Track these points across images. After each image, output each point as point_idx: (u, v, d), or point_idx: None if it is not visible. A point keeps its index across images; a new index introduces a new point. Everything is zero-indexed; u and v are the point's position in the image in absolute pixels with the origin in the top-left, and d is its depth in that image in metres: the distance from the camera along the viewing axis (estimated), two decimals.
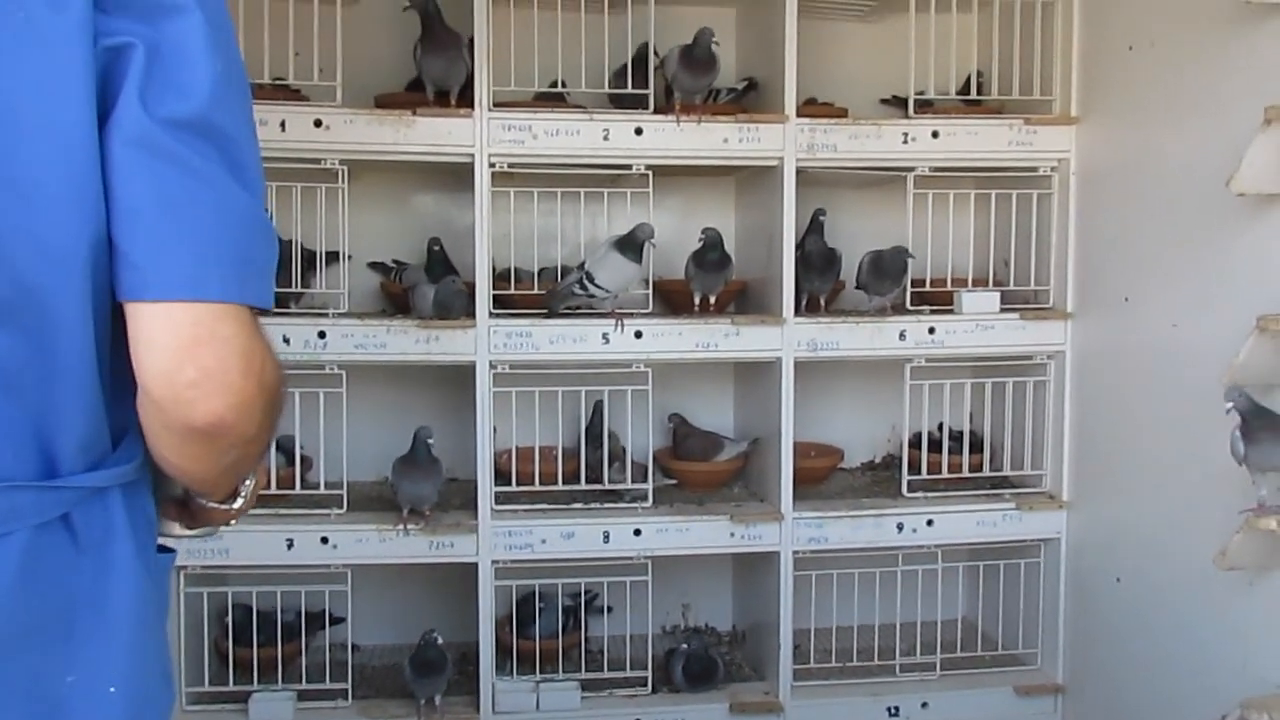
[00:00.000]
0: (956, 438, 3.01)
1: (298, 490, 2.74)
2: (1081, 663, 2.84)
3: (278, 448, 2.77)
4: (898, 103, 2.95)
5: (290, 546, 2.66)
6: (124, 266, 0.92)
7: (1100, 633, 2.73)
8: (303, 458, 2.80)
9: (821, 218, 2.95)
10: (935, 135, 2.81)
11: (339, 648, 2.90)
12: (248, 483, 1.15)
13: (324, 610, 2.85)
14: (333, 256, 2.82)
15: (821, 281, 2.91)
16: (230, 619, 2.80)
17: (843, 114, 2.91)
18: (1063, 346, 2.85)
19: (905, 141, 2.80)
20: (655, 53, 2.79)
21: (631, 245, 2.71)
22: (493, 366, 2.71)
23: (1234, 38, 2.19)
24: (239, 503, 1.16)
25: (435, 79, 2.73)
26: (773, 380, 2.83)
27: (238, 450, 1.01)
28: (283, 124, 2.60)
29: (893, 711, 2.86)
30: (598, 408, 2.88)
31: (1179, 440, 2.39)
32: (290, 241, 2.75)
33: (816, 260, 2.89)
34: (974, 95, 2.96)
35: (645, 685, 2.84)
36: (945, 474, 2.92)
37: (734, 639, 3.27)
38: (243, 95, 0.99)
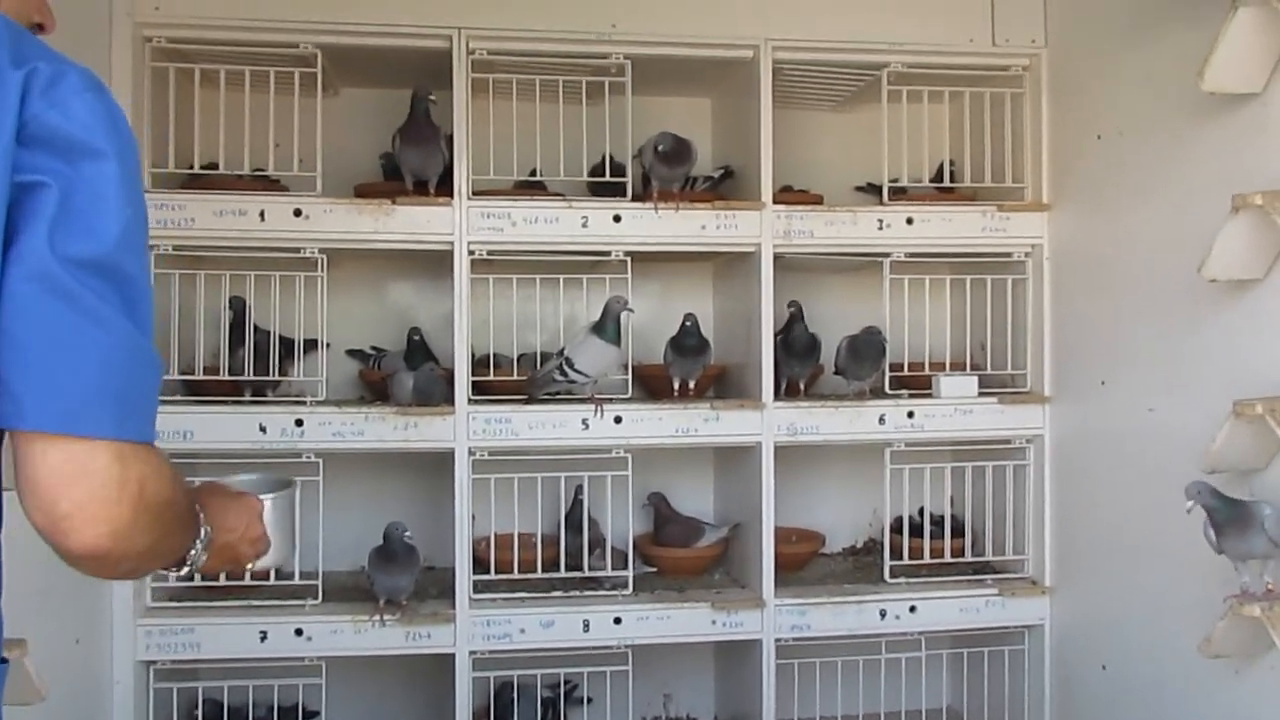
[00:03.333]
0: (938, 522, 2.99)
1: (272, 580, 2.69)
2: None
3: None
4: (872, 190, 2.99)
5: (264, 639, 2.61)
6: (4, 395, 0.94)
7: None
8: None
9: (791, 309, 2.96)
10: (910, 221, 2.84)
11: None
12: (196, 548, 1.14)
13: (297, 705, 2.78)
14: (311, 344, 2.81)
15: (801, 366, 2.92)
16: (201, 714, 2.73)
17: (818, 201, 2.95)
18: (1041, 430, 2.86)
19: (880, 228, 2.84)
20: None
21: (610, 327, 2.72)
22: (472, 453, 2.70)
23: (1200, 127, 2.24)
24: (185, 569, 1.15)
25: (414, 169, 2.75)
26: (753, 465, 2.82)
27: (131, 563, 1.02)
28: (262, 214, 2.62)
29: None
30: (577, 494, 2.86)
31: (1160, 525, 2.38)
32: (268, 332, 2.74)
33: (797, 345, 2.90)
34: (947, 182, 3.01)
35: None
36: (927, 559, 2.90)
37: None
38: (144, 235, 1.02)
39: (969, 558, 3.01)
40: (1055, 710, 2.83)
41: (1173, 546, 2.32)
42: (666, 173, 2.79)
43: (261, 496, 1.30)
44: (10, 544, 1.92)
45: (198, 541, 1.14)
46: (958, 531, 3.04)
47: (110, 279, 0.96)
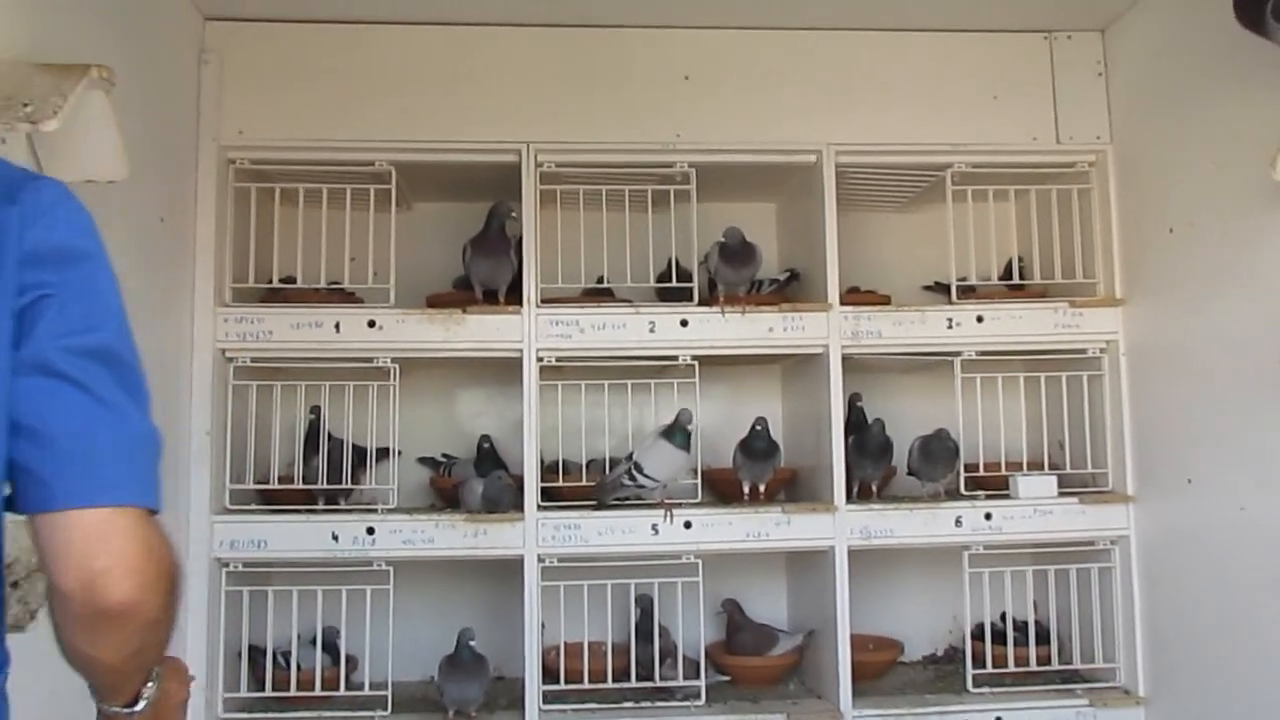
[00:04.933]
0: (1021, 628, 2.88)
1: (342, 691, 2.69)
2: None
3: (324, 647, 2.73)
4: (940, 289, 2.98)
5: None
6: (30, 484, 1.02)
7: None
8: (348, 657, 2.76)
9: (859, 403, 2.93)
10: (980, 320, 2.82)
11: None
12: (150, 685, 1.16)
13: None
14: (383, 453, 2.85)
15: (874, 468, 2.88)
16: None
17: (885, 301, 2.94)
18: (1126, 531, 2.77)
19: (950, 326, 2.81)
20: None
21: (679, 434, 2.71)
22: (541, 560, 2.68)
23: (1273, 214, 2.20)
24: (141, 705, 1.15)
25: (483, 279, 2.81)
26: (826, 569, 2.76)
27: (143, 634, 1.07)
28: (337, 325, 2.68)
29: None
30: (648, 601, 2.82)
31: (1258, 626, 2.27)
32: (341, 440, 2.79)
33: (870, 446, 2.87)
34: (1016, 279, 2.99)
35: None
36: (1011, 667, 2.79)
37: None
38: (129, 324, 1.12)
39: (1055, 666, 2.89)
40: None
41: (1273, 650, 2.21)
42: (732, 275, 2.81)
43: None
44: None
45: (155, 670, 1.16)
46: (1042, 638, 2.93)
47: (111, 365, 1.06)
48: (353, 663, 2.77)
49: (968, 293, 2.89)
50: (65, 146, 1.73)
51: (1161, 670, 2.68)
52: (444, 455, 3.12)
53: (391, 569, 2.63)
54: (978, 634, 2.86)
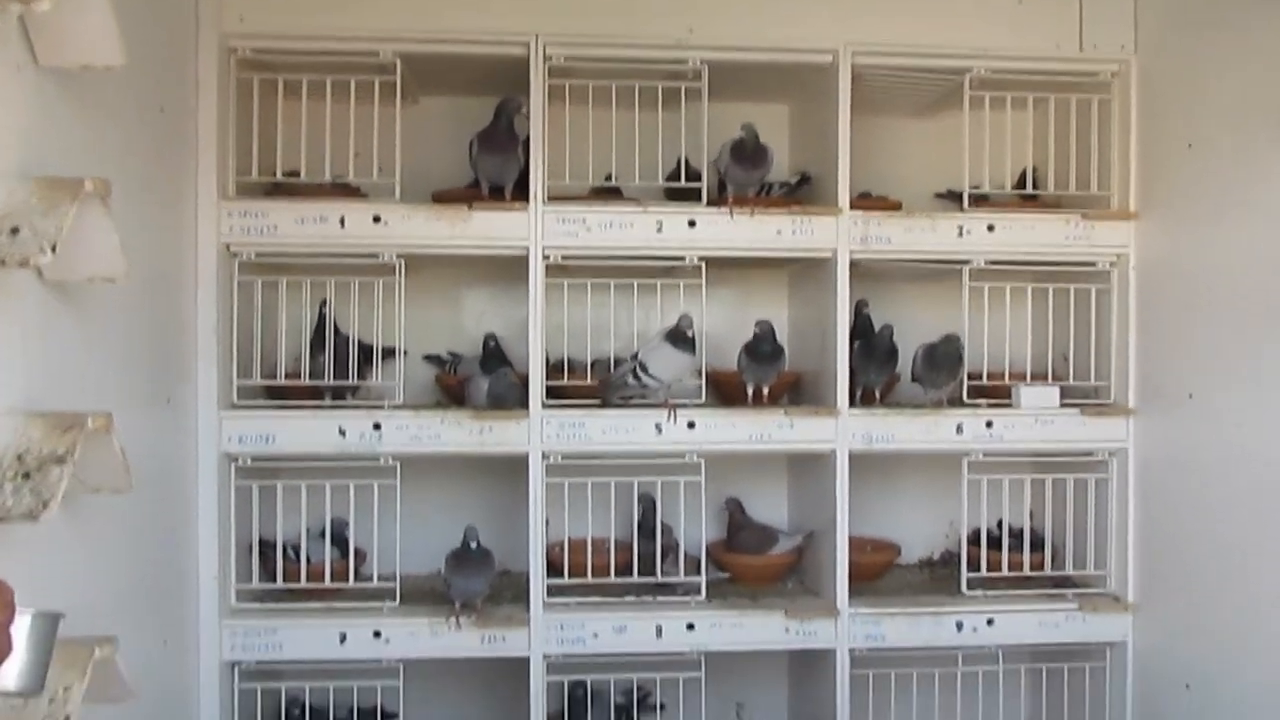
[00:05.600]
0: (1016, 535, 2.93)
1: (351, 583, 2.74)
2: None
3: (333, 540, 2.78)
4: (952, 196, 2.95)
5: (343, 641, 2.65)
6: None
7: None
8: (356, 551, 2.81)
9: (865, 310, 2.93)
10: (991, 229, 2.80)
11: None
12: None
13: (376, 706, 2.82)
14: (389, 350, 2.85)
15: (878, 374, 2.89)
16: (283, 715, 2.78)
17: (896, 207, 2.92)
18: (1125, 443, 2.80)
19: (960, 235, 2.80)
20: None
21: (683, 337, 2.71)
22: (545, 457, 2.71)
23: None
24: None
25: (490, 175, 2.77)
26: (827, 473, 2.80)
27: None
28: (342, 220, 2.66)
29: None
30: (650, 500, 2.86)
31: (1249, 542, 2.32)
32: (348, 337, 2.79)
33: (878, 352, 2.87)
34: (1030, 190, 2.95)
35: None
36: (1005, 572, 2.85)
37: None
38: None
39: (1048, 571, 2.95)
40: None
41: (1262, 565, 2.27)
42: (742, 177, 2.78)
43: (24, 609, 1.27)
44: (102, 546, 1.98)
45: None
46: (1037, 545, 2.98)
47: None
48: (361, 556, 2.82)
49: (980, 202, 2.86)
50: (59, 29, 1.69)
51: (1150, 579, 2.74)
52: (449, 353, 3.13)
53: (398, 465, 2.66)
54: (974, 539, 2.91)
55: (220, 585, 2.62)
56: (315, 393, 2.78)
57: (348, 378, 2.77)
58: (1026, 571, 2.89)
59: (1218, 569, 2.44)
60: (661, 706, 2.97)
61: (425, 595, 2.82)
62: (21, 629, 1.27)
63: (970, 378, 2.85)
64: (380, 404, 2.72)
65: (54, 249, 1.58)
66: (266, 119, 2.73)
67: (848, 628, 2.76)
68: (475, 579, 2.68)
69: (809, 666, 2.98)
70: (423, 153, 2.92)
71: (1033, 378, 2.93)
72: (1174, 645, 2.63)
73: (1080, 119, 2.86)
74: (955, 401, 2.85)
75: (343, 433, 2.66)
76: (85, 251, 1.74)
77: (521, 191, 2.73)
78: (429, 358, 3.12)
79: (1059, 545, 2.96)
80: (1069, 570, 2.91)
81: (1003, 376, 2.91)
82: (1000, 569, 2.85)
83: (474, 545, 2.65)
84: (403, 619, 2.68)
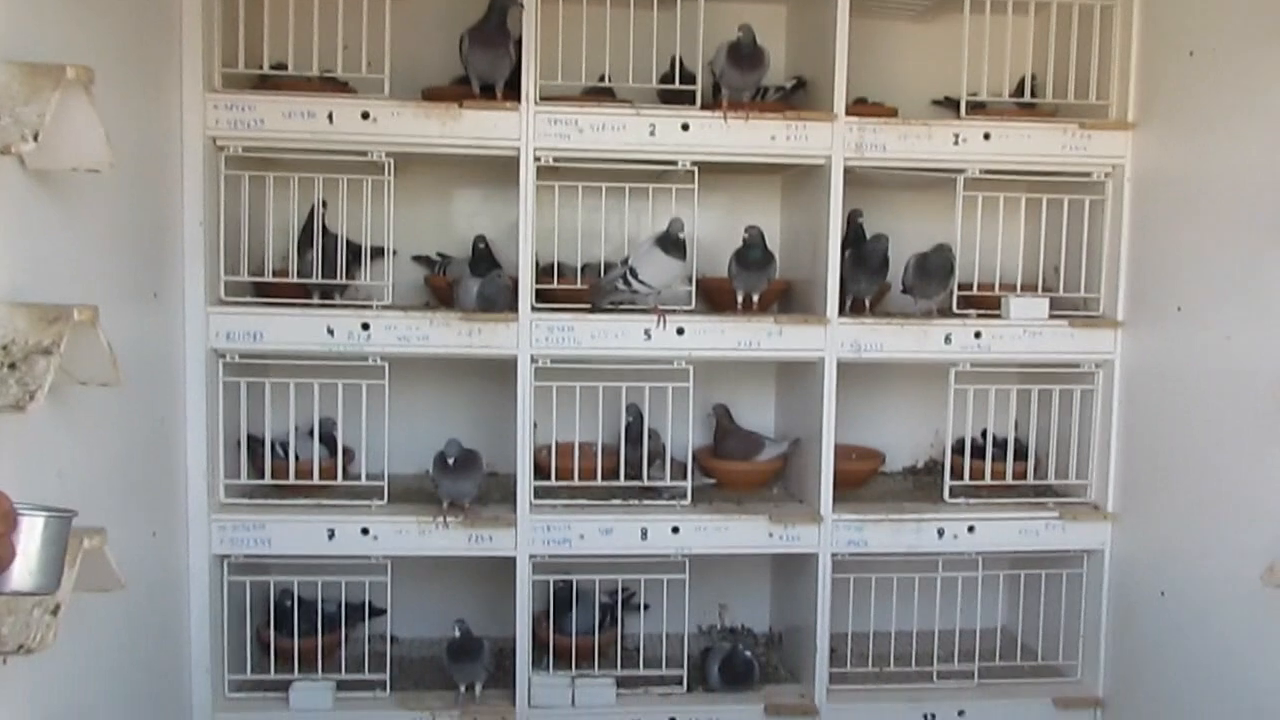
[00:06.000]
0: (1000, 445, 2.96)
1: (339, 481, 2.77)
2: (1122, 677, 2.80)
3: (321, 438, 2.79)
4: (949, 104, 2.91)
5: (331, 537, 2.68)
6: None
7: (1142, 647, 2.69)
8: (345, 449, 2.82)
9: (859, 219, 2.91)
10: (987, 137, 2.77)
11: (378, 639, 2.91)
12: None
13: (364, 602, 2.87)
14: (377, 250, 2.83)
15: (869, 283, 2.88)
16: (272, 607, 2.83)
17: (893, 114, 2.88)
18: (1112, 356, 2.81)
19: (956, 143, 2.77)
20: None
21: (674, 242, 2.69)
22: (534, 361, 2.71)
23: None
24: None
25: (480, 73, 2.72)
26: (815, 381, 2.81)
27: None
28: (330, 115, 2.62)
29: (929, 718, 2.84)
30: (637, 405, 2.88)
31: (1229, 455, 2.34)
32: (336, 235, 2.76)
33: (871, 261, 2.86)
34: (1028, 98, 2.92)
35: (680, 684, 2.84)
36: (988, 481, 2.88)
37: (770, 641, 3.26)
38: None
39: (1031, 481, 2.99)
40: (1111, 634, 2.84)
41: (1241, 477, 2.29)
42: (738, 80, 2.73)
43: (25, 512, 1.27)
44: (91, 439, 1.99)
45: None
46: (1020, 455, 3.01)
47: None
48: (349, 455, 2.84)
49: (977, 109, 2.82)
50: None
51: (1131, 488, 2.78)
52: (439, 254, 3.11)
53: (386, 365, 2.66)
54: (958, 448, 2.94)
55: (209, 480, 2.64)
56: (303, 291, 2.77)
57: (336, 277, 2.75)
58: (1009, 480, 2.93)
59: (1197, 481, 2.47)
60: (645, 606, 3.02)
61: (413, 495, 2.84)
62: (35, 530, 1.28)
63: (961, 288, 2.85)
64: (369, 304, 2.71)
65: (36, 137, 1.56)
66: (252, 8, 2.66)
67: (830, 533, 2.80)
68: (463, 480, 2.70)
69: (791, 569, 3.03)
70: (412, 47, 2.87)
71: (1023, 289, 2.93)
72: (1151, 553, 2.68)
73: (1082, 25, 2.81)
74: (945, 312, 2.85)
75: (331, 332, 2.65)
76: (69, 141, 1.72)
77: (513, 91, 2.68)
78: (418, 258, 3.10)
79: (1042, 455, 2.99)
80: (1051, 480, 2.95)
81: (993, 287, 2.91)
82: (983, 478, 2.88)
83: (452, 461, 2.66)
84: (391, 517, 2.71)
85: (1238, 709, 2.28)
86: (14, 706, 1.68)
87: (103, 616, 2.00)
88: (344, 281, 2.78)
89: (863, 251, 2.87)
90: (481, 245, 2.94)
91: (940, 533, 2.83)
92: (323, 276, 2.74)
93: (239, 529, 2.66)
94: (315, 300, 2.75)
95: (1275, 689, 2.15)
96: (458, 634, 2.71)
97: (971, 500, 2.87)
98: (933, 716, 2.84)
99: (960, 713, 2.85)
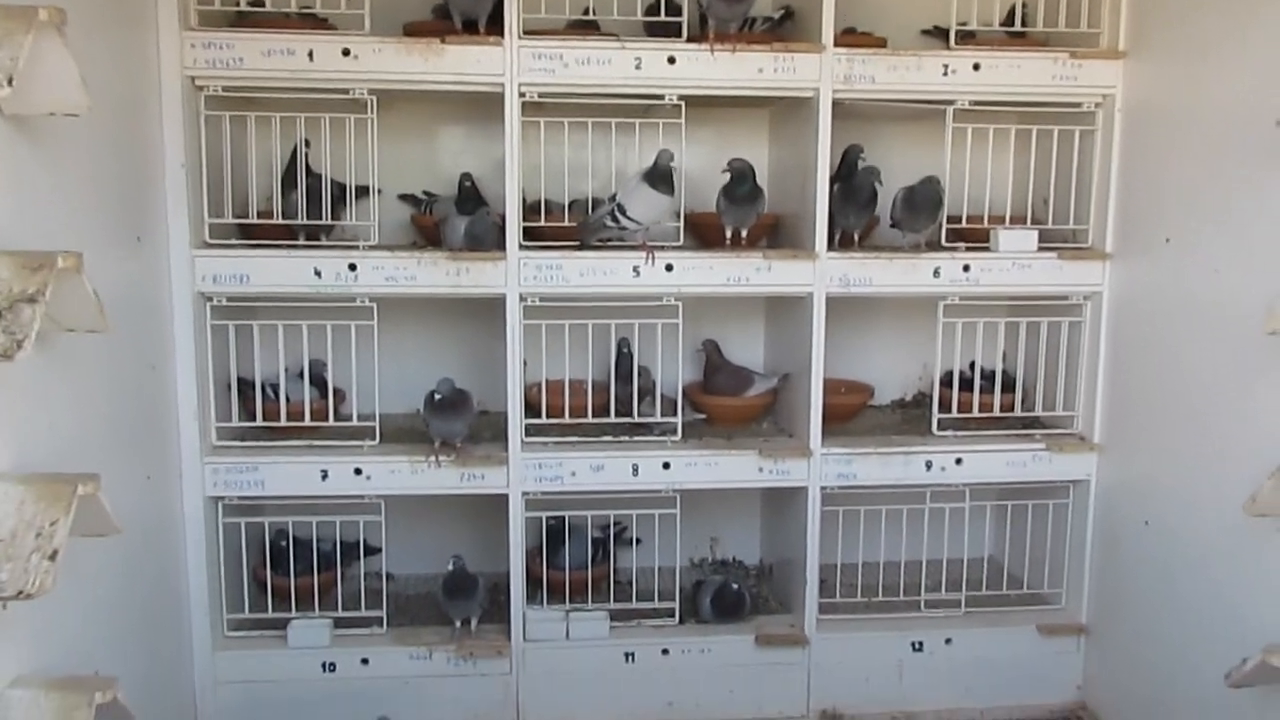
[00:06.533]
0: (988, 377, 2.98)
1: (331, 422, 2.77)
2: (1106, 605, 2.85)
3: (311, 380, 2.79)
4: (939, 33, 2.88)
5: (325, 477, 2.69)
6: None
7: (1126, 576, 2.74)
8: (336, 390, 2.83)
9: (861, 156, 2.88)
10: (976, 68, 2.74)
11: (374, 577, 2.95)
12: None
13: (359, 540, 2.89)
14: (362, 190, 2.80)
15: (857, 217, 2.87)
16: (268, 547, 2.85)
17: (881, 44, 2.84)
18: (1100, 288, 2.82)
19: (945, 74, 2.74)
20: None
21: (662, 177, 2.67)
22: (523, 299, 2.70)
23: None
24: None
25: (462, 8, 2.67)
26: (804, 316, 2.81)
27: None
28: (310, 53, 2.58)
29: (917, 647, 2.90)
30: (627, 342, 2.88)
31: (1215, 386, 2.36)
32: (320, 175, 2.73)
33: (861, 195, 2.84)
34: (1018, 27, 2.88)
35: (673, 616, 2.89)
36: (976, 413, 2.90)
37: (761, 573, 3.31)
38: None
39: (1018, 413, 3.01)
40: (1096, 563, 2.88)
41: (1226, 409, 2.31)
42: (725, 11, 2.69)
43: None
44: (81, 386, 1.99)
45: None
46: (1008, 387, 3.04)
47: None
48: (340, 396, 2.84)
49: (967, 39, 2.79)
50: None
51: (1117, 419, 2.80)
52: (425, 193, 3.08)
53: (375, 305, 2.65)
54: (946, 381, 2.96)
55: (200, 423, 2.64)
56: (289, 232, 2.75)
57: (321, 217, 2.73)
58: (997, 413, 2.95)
59: (1183, 412, 2.49)
60: (637, 540, 3.06)
61: (405, 434, 2.85)
62: None
63: (949, 221, 2.84)
64: (355, 244, 2.69)
65: (11, 82, 1.53)
66: None
67: (820, 467, 2.82)
68: (454, 419, 2.71)
69: (781, 503, 3.06)
70: None
71: (1012, 221, 2.92)
72: (1135, 484, 2.71)
73: None
74: (934, 245, 2.85)
75: (318, 273, 2.64)
76: (44, 85, 1.69)
77: (496, 25, 2.64)
78: (404, 197, 3.08)
79: (1030, 387, 3.01)
80: (1038, 412, 2.97)
81: (982, 220, 2.90)
82: (971, 410, 2.90)
83: (442, 399, 2.66)
84: (383, 457, 2.72)
85: (1218, 635, 2.33)
86: (16, 651, 1.70)
87: (101, 561, 2.02)
88: (329, 222, 2.76)
89: (852, 185, 2.85)
90: (468, 183, 2.92)
91: (928, 465, 2.85)
92: (308, 217, 2.72)
93: (232, 471, 2.67)
94: (301, 241, 2.73)
95: (1256, 615, 2.19)
96: (452, 568, 2.74)
97: (959, 432, 2.89)
98: (920, 645, 2.90)
99: (947, 640, 2.90)
